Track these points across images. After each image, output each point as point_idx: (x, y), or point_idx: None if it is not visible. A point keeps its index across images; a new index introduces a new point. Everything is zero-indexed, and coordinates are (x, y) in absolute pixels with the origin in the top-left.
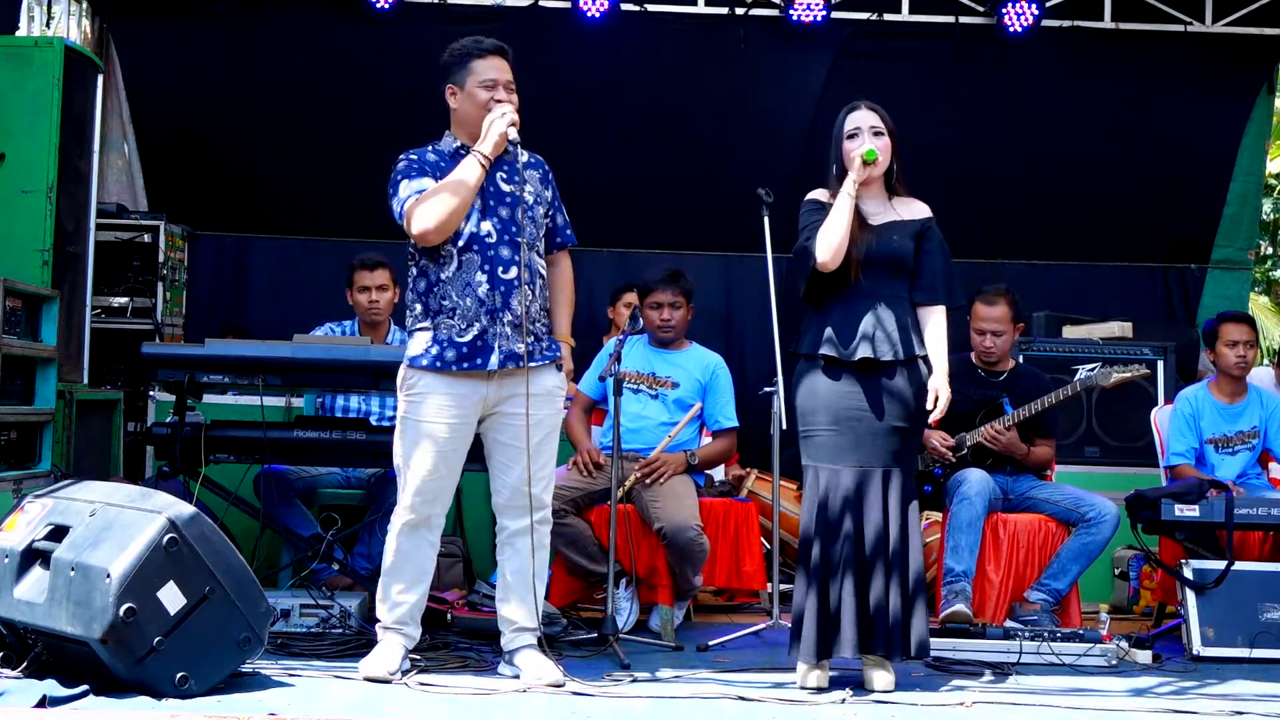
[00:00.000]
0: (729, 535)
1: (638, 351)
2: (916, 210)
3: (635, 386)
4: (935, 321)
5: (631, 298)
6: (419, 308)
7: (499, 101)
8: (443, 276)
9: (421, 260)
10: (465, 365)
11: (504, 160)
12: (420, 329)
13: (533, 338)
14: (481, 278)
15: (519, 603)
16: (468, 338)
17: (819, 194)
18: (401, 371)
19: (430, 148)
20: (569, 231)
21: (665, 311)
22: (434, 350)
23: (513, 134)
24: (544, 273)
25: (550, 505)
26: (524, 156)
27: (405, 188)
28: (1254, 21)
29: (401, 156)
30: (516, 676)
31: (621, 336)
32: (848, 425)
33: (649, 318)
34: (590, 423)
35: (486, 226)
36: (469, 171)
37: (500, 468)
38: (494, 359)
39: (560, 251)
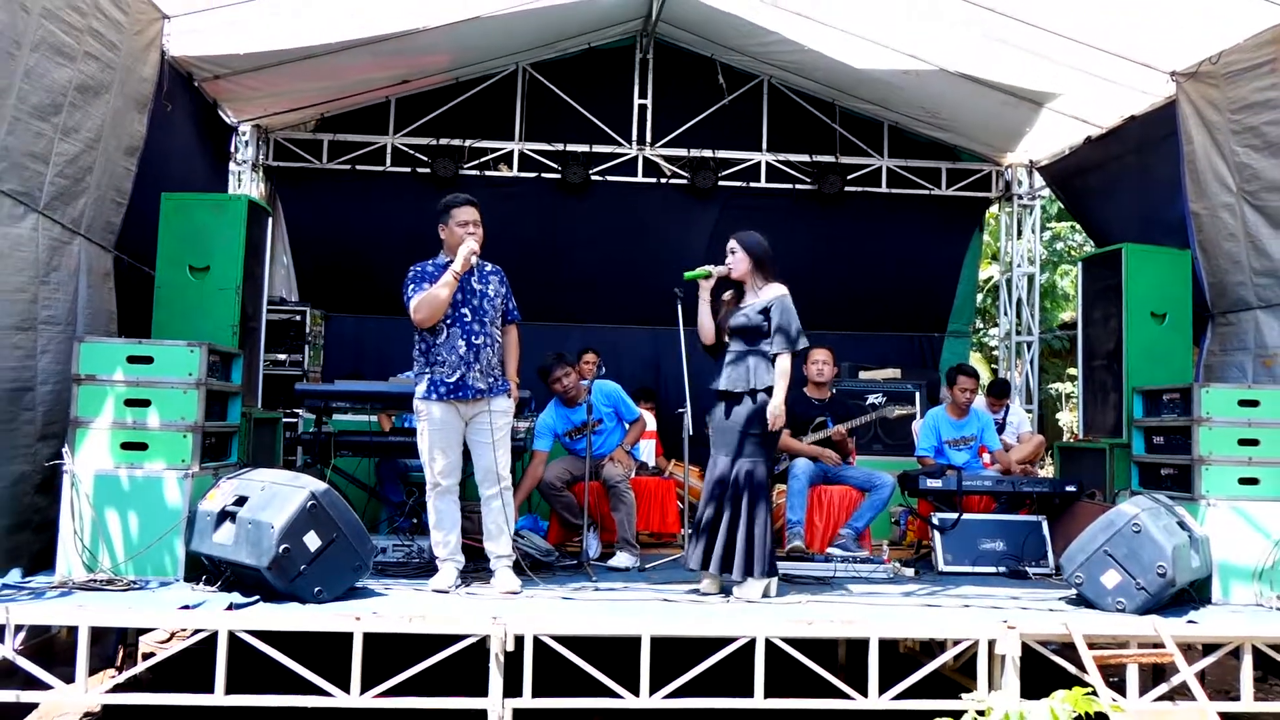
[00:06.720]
0: (658, 500)
1: (561, 416)
2: (769, 292)
3: (578, 440)
4: (780, 364)
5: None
6: (422, 361)
7: (470, 235)
8: (437, 342)
9: (423, 331)
10: (452, 396)
11: (476, 269)
12: (423, 374)
13: (492, 378)
14: (461, 343)
15: (495, 540)
16: (453, 380)
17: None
18: (415, 402)
19: (433, 261)
20: (516, 312)
21: (563, 382)
22: (431, 389)
23: (474, 260)
24: (500, 339)
25: (510, 478)
26: (489, 266)
27: (411, 290)
28: (972, 188)
29: (412, 267)
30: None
31: (588, 381)
32: (720, 430)
33: (561, 388)
34: (543, 473)
35: (465, 311)
36: (444, 283)
37: (476, 456)
38: (470, 393)
39: (510, 325)
